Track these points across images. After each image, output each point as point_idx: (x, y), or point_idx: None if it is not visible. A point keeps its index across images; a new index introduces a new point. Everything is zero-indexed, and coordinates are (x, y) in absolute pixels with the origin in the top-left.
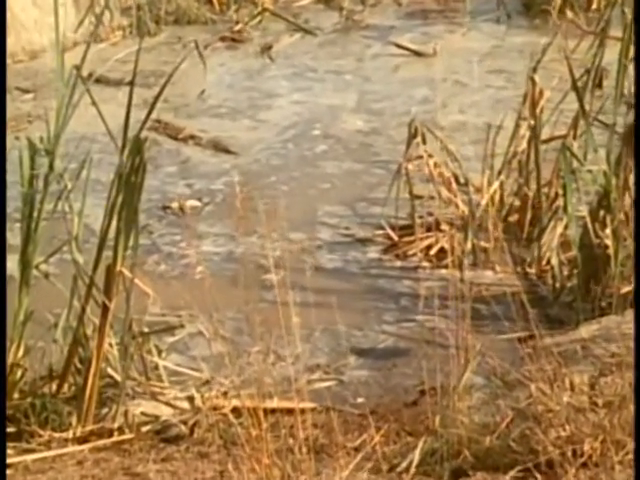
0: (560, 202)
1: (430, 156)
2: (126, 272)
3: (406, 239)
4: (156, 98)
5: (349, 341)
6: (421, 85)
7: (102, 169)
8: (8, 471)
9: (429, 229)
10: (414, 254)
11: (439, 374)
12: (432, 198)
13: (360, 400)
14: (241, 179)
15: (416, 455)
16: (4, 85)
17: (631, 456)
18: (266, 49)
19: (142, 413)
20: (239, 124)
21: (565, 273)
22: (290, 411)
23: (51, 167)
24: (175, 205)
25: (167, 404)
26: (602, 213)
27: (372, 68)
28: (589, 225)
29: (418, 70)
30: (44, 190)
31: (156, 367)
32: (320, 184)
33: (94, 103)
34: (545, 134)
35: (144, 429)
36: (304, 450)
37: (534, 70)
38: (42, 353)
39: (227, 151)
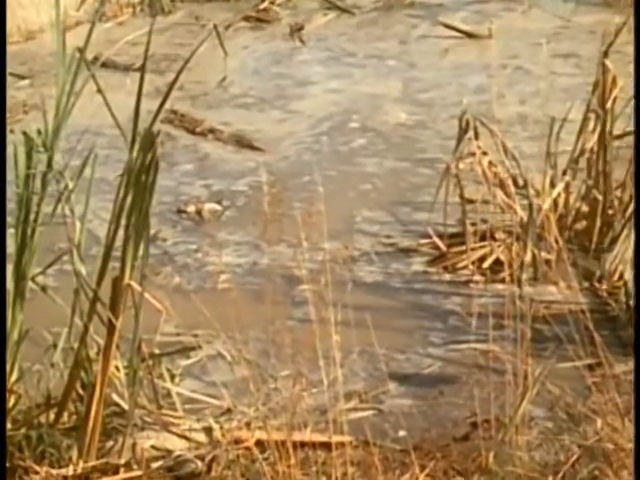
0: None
1: (484, 154)
2: (135, 285)
3: (456, 249)
4: (170, 86)
5: (390, 365)
6: (474, 72)
7: (108, 167)
8: None
9: (482, 238)
10: (465, 266)
11: (493, 404)
12: (486, 202)
13: (402, 434)
14: (267, 179)
15: None
16: (4, 85)
17: None
18: (296, 30)
19: (152, 447)
20: (266, 116)
21: None
22: (323, 445)
23: (50, 164)
24: (191, 209)
25: (181, 436)
26: None
27: (418, 52)
28: None
29: (471, 54)
30: (42, 191)
31: (169, 394)
32: (358, 185)
33: (100, 91)
34: (618, 129)
35: (154, 465)
36: None
37: (606, 54)
38: (38, 377)
39: (252, 147)
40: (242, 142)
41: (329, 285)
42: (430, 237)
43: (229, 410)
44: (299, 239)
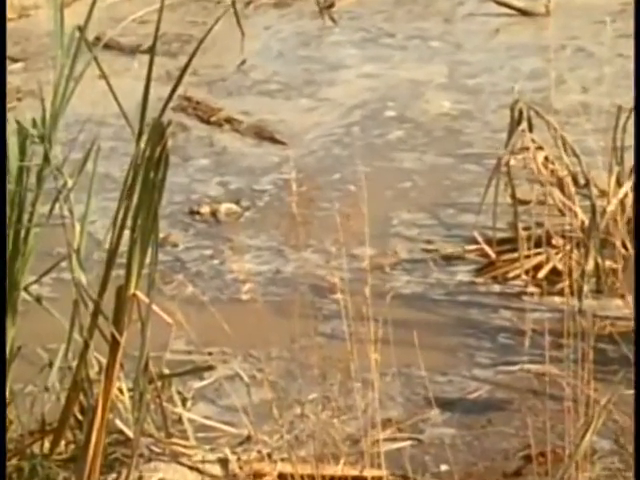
0: None
1: (539, 148)
2: (142, 296)
3: (507, 257)
4: (183, 70)
5: (430, 389)
6: (529, 54)
7: (113, 161)
8: None
9: (537, 244)
10: (517, 276)
11: (550, 435)
12: (541, 203)
13: (444, 467)
14: (292, 176)
15: None
16: (4, 84)
17: None
18: (326, 7)
19: None
20: (291, 104)
21: None
22: (355, 479)
23: (46, 158)
24: (206, 210)
25: (193, 468)
26: None
27: (465, 32)
28: None
29: (525, 34)
30: (37, 188)
31: (179, 420)
32: (395, 183)
33: (103, 75)
34: None
35: None
36: None
37: None
38: (32, 401)
39: (274, 140)
40: (263, 134)
41: (366, 296)
42: (477, 243)
43: (248, 439)
44: (327, 244)
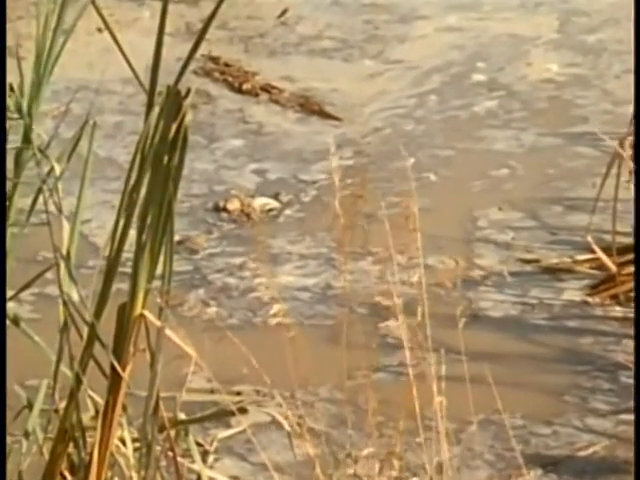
0: None
1: None
2: (151, 318)
3: (630, 270)
4: (207, 22)
5: (528, 443)
6: None
7: (116, 141)
8: None
9: None
10: None
11: None
12: None
13: None
14: (349, 162)
15: None
16: (4, 83)
17: None
18: None
19: None
20: (348, 68)
21: None
22: None
23: (27, 137)
24: (235, 206)
25: None
26: None
27: None
28: None
29: None
30: (15, 176)
31: (198, 479)
32: (484, 171)
33: (107, 27)
34: None
35: None
36: None
37: None
38: (7, 452)
39: (325, 114)
40: (311, 106)
41: (423, 320)
42: (592, 251)
43: None
44: (393, 252)
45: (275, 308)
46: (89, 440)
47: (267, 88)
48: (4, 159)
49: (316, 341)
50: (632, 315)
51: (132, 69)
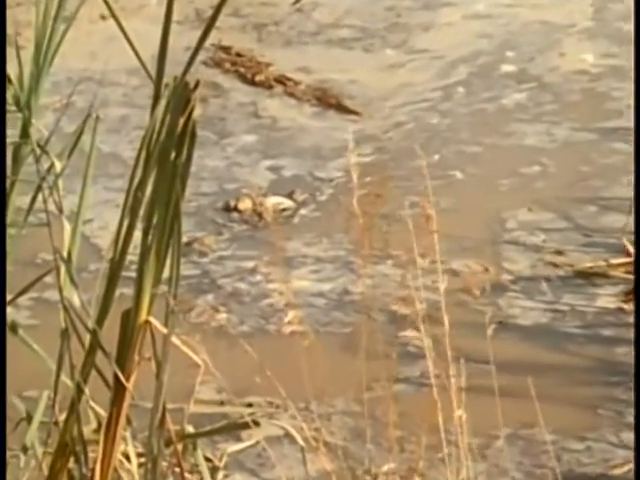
0: None
1: None
2: (157, 324)
3: None
4: (218, 9)
5: (559, 459)
6: None
7: (121, 136)
8: None
9: None
10: None
11: None
12: None
13: None
14: (368, 159)
15: None
16: (4, 82)
17: None
18: None
19: None
20: (369, 58)
21: None
22: None
23: (26, 131)
24: (247, 205)
25: None
26: None
27: None
28: None
29: None
30: (13, 173)
31: None
32: (513, 168)
33: (111, 13)
34: None
35: None
36: None
37: None
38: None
39: (344, 108)
40: (329, 100)
41: (446, 329)
42: (628, 254)
43: None
44: (415, 255)
45: (289, 315)
46: (91, 455)
47: (282, 80)
48: (4, 156)
49: (333, 350)
50: None
51: (139, 58)
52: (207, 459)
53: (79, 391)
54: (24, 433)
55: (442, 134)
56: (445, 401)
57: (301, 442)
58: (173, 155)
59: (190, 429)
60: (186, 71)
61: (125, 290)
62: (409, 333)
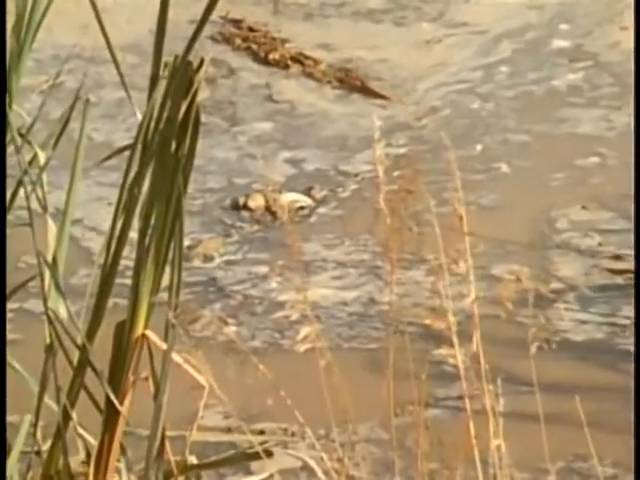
0: None
1: None
2: (155, 339)
3: None
4: None
5: None
6: None
7: (114, 122)
8: None
9: None
10: None
11: None
12: None
13: None
14: (400, 151)
15: None
16: (4, 81)
17: None
18: None
19: None
20: (401, 33)
21: None
22: None
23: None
24: (258, 203)
25: None
26: None
27: None
28: None
29: None
30: None
31: None
32: (564, 160)
33: None
34: None
35: None
36: None
37: None
38: None
39: (371, 91)
40: (353, 82)
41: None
42: None
43: None
44: (449, 259)
45: (303, 332)
46: None
47: (300, 59)
48: (4, 155)
49: (357, 368)
50: None
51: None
52: None
53: (65, 416)
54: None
55: (484, 121)
56: (485, 428)
57: (321, 475)
58: (174, 145)
59: (193, 460)
60: (189, 48)
61: (119, 300)
62: (444, 350)
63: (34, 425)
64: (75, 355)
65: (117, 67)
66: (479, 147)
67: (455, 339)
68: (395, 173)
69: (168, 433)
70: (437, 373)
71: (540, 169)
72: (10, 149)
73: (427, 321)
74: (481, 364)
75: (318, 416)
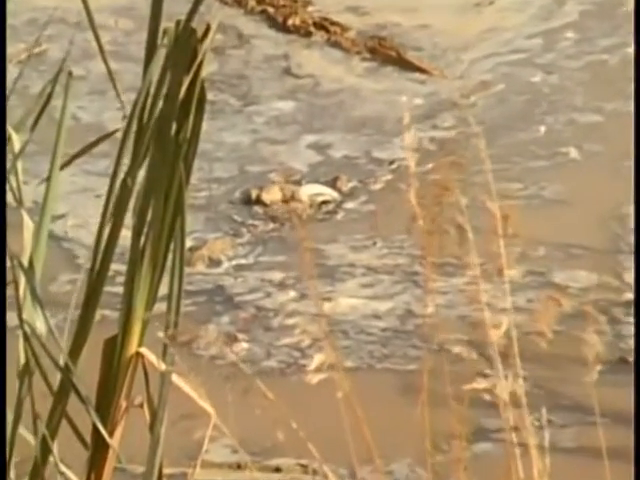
0: None
1: None
2: (152, 358)
3: None
4: None
5: None
6: None
7: (104, 100)
8: None
9: None
10: None
11: None
12: None
13: None
14: (445, 134)
15: None
16: (4, 81)
17: None
18: None
19: None
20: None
21: None
22: None
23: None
24: (275, 196)
25: None
26: None
27: None
28: None
29: None
30: None
31: None
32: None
33: None
34: None
35: None
36: None
37: None
38: None
39: (409, 63)
40: (388, 52)
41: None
42: None
43: None
44: (499, 266)
45: (316, 360)
46: None
47: (324, 25)
48: (4, 154)
49: (389, 394)
50: None
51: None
52: None
53: (44, 450)
54: None
55: (547, 98)
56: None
57: None
58: (175, 128)
59: None
60: (193, 11)
61: (108, 312)
62: (490, 371)
63: (6, 461)
64: (56, 377)
65: (97, 38)
66: (542, 129)
67: (499, 363)
68: (436, 161)
69: (166, 470)
70: (484, 400)
71: (613, 155)
72: None
73: (474, 335)
74: (521, 391)
75: (341, 451)
